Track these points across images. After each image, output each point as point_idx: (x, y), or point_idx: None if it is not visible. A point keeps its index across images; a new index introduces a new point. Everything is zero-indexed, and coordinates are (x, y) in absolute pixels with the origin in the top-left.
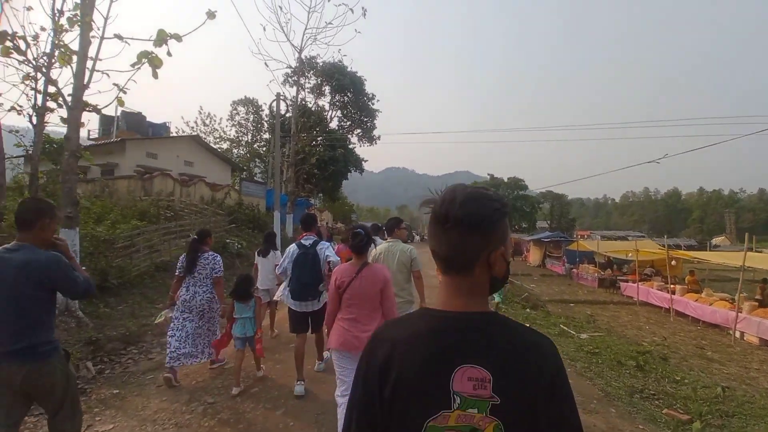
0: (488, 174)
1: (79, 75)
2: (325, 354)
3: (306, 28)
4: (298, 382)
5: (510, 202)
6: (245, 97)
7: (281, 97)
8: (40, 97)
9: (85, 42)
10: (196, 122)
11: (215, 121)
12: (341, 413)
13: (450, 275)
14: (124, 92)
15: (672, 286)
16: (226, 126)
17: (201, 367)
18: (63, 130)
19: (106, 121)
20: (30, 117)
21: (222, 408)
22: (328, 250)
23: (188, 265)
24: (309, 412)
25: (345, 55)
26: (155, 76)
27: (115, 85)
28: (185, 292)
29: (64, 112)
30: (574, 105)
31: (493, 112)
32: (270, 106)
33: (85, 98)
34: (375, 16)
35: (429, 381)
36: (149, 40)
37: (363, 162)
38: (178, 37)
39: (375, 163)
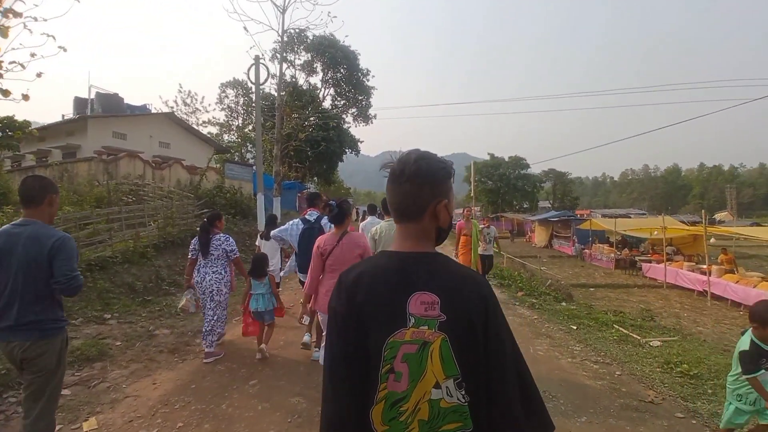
0: (488, 153)
1: None
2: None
3: None
4: (316, 349)
5: (451, 169)
6: (233, 78)
7: (260, 61)
8: None
9: None
10: (175, 101)
11: (197, 100)
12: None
13: (403, 223)
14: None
15: (707, 266)
16: (215, 109)
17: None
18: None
19: (80, 105)
20: None
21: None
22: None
23: (202, 247)
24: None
25: (335, 17)
26: None
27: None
28: (196, 274)
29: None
30: (570, 73)
31: (485, 88)
32: (248, 72)
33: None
34: None
35: (389, 306)
36: None
37: (359, 143)
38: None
39: (371, 147)
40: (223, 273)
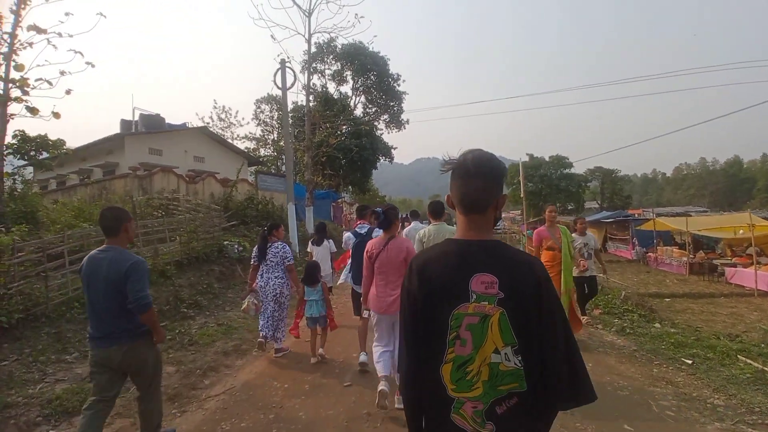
0: (527, 154)
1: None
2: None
3: None
4: (362, 353)
5: (504, 172)
6: (268, 94)
7: (287, 65)
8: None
9: None
10: (211, 117)
11: (231, 114)
12: (376, 358)
13: (470, 215)
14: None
15: None
16: (250, 123)
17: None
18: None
19: (126, 126)
20: None
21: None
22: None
23: (260, 254)
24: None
25: (363, 17)
26: None
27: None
28: (260, 279)
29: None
30: (611, 57)
31: (518, 85)
32: (274, 77)
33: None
34: None
35: (455, 284)
36: None
37: (392, 150)
38: None
39: (404, 155)
40: (284, 278)
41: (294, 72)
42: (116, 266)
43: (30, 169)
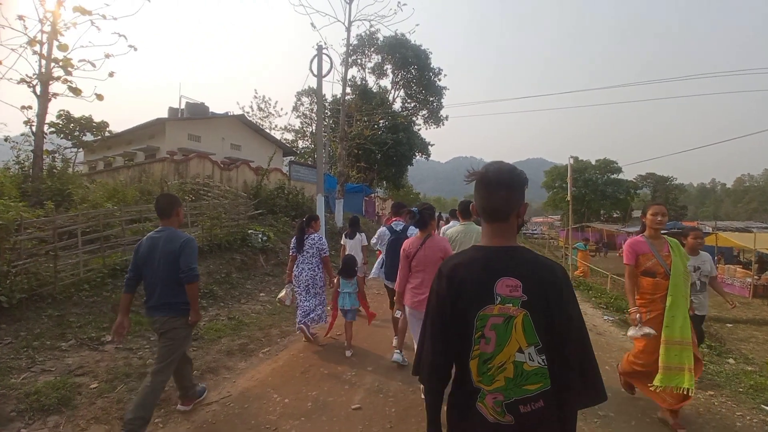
0: (570, 157)
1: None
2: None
3: None
4: (396, 352)
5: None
6: (308, 87)
7: (324, 52)
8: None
9: None
10: (251, 107)
11: (270, 105)
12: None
13: (494, 223)
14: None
15: None
16: (287, 114)
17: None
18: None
19: (172, 114)
20: (33, 87)
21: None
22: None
23: (298, 244)
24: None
25: (405, 4)
26: None
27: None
28: (296, 269)
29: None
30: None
31: (561, 82)
32: (310, 63)
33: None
34: None
35: (481, 287)
36: None
37: (429, 146)
38: None
39: (442, 153)
40: (316, 270)
41: (331, 59)
42: (171, 243)
43: (71, 147)
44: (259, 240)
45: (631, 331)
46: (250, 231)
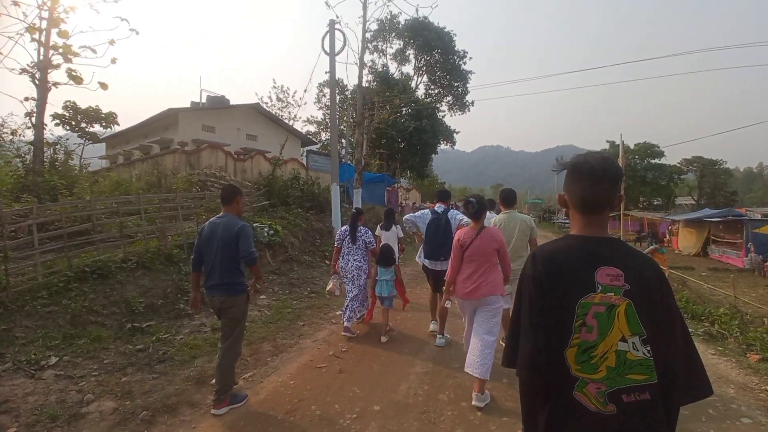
0: (607, 141)
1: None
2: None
3: None
4: (440, 336)
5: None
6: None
7: (336, 27)
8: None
9: None
10: (269, 97)
11: (289, 94)
12: (467, 346)
13: (590, 214)
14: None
15: None
16: (313, 107)
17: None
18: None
19: (194, 107)
20: (32, 75)
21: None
22: (459, 215)
23: (352, 234)
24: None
25: None
26: None
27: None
28: (341, 260)
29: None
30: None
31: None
32: (322, 41)
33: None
34: None
35: (580, 275)
36: None
37: (455, 134)
38: None
39: (467, 142)
40: (362, 261)
41: (344, 35)
42: (229, 229)
43: (76, 140)
44: (265, 234)
45: None
46: (255, 224)
